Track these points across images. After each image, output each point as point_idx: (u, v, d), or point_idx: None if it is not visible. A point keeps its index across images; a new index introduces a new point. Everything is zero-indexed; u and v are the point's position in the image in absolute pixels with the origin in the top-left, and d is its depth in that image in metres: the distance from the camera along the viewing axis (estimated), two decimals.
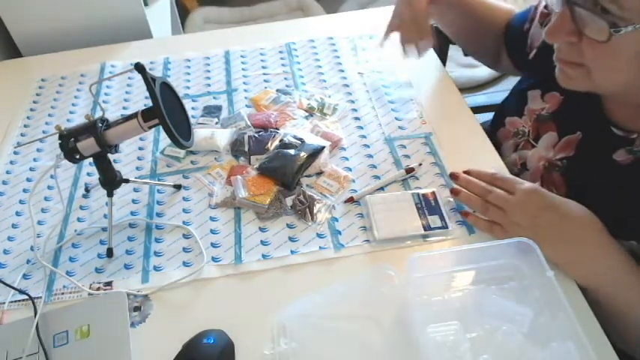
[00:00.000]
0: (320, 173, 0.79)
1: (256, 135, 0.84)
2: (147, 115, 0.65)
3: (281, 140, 0.82)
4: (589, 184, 0.67)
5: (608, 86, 0.61)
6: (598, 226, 0.61)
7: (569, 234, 0.62)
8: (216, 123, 0.89)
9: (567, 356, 0.54)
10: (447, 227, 0.70)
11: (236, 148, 0.83)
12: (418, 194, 0.74)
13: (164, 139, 0.87)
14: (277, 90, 0.95)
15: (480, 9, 0.90)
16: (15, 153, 0.87)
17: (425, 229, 0.70)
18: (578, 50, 0.57)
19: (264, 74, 0.99)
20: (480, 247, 0.62)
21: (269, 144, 0.82)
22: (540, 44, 0.78)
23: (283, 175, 0.76)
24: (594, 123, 0.68)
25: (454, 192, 0.72)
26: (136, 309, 0.65)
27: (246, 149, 0.82)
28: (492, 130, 0.88)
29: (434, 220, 0.71)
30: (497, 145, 0.84)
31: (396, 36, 0.85)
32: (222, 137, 0.84)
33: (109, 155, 0.68)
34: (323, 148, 0.80)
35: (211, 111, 0.91)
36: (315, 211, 0.73)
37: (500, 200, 0.67)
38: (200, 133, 0.84)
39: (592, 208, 0.62)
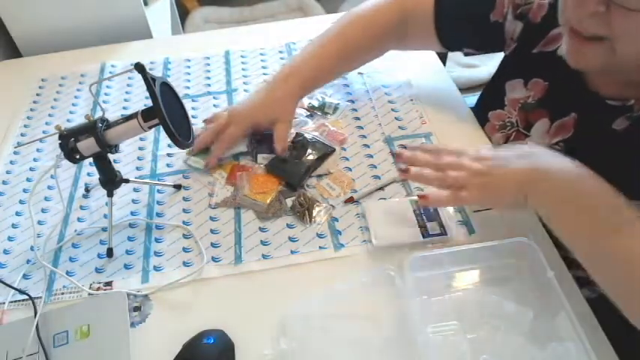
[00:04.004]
0: (326, 174, 0.79)
1: (263, 133, 0.83)
2: (147, 115, 0.65)
3: (293, 141, 0.82)
4: (590, 159, 0.67)
5: (632, 59, 0.59)
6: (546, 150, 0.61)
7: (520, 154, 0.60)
8: None
9: (567, 356, 0.54)
10: (445, 234, 0.69)
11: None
12: (416, 200, 0.74)
13: (164, 139, 0.87)
14: None
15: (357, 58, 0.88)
16: (15, 153, 0.87)
17: (424, 236, 0.69)
18: (602, 22, 0.55)
19: (264, 74, 0.99)
20: (479, 247, 0.62)
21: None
22: (518, 35, 0.77)
23: (291, 175, 0.76)
24: (587, 101, 0.68)
25: (403, 171, 0.66)
26: (136, 309, 0.65)
27: (251, 149, 0.82)
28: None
29: (433, 227, 0.70)
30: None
31: None
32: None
33: (109, 155, 0.68)
34: (334, 150, 0.80)
35: None
36: (314, 214, 0.73)
37: (456, 163, 0.62)
38: None
39: None
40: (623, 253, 0.54)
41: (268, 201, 0.74)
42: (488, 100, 0.86)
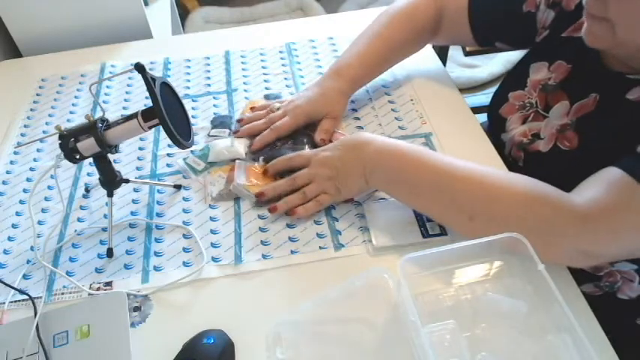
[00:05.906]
0: None
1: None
2: (147, 115, 0.65)
3: (305, 142, 0.82)
4: (608, 133, 0.68)
5: (630, 43, 0.61)
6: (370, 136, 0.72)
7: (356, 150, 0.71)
8: (229, 134, 0.87)
9: (564, 348, 0.55)
10: (445, 234, 0.69)
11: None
12: None
13: (164, 139, 0.87)
14: (265, 96, 0.94)
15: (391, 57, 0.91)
16: (15, 153, 0.87)
17: (424, 236, 0.69)
18: (604, 4, 0.59)
19: (264, 74, 1.00)
20: (470, 244, 0.62)
21: (278, 143, 0.82)
22: (550, 23, 0.78)
23: (290, 174, 0.76)
24: (608, 80, 0.69)
25: (272, 210, 0.73)
26: (136, 309, 0.65)
27: (249, 155, 0.82)
28: (493, 109, 0.88)
29: (433, 227, 0.70)
30: (501, 122, 0.85)
31: None
32: (242, 143, 0.83)
33: (109, 155, 0.68)
34: None
35: (223, 121, 0.90)
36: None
37: (306, 176, 0.73)
38: (220, 144, 0.82)
39: (606, 153, 0.62)
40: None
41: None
42: (510, 81, 0.87)
